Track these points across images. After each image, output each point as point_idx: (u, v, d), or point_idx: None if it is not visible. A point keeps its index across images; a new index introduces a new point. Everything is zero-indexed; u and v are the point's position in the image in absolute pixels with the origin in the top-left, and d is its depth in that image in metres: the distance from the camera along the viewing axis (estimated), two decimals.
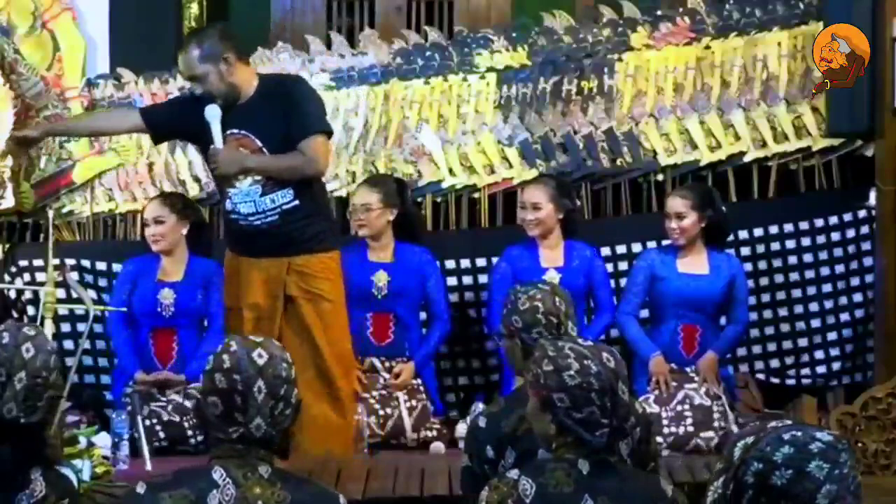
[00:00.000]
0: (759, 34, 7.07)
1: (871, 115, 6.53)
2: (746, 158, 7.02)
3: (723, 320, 6.50)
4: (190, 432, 6.22)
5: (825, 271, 7.00)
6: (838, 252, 6.99)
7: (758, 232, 6.96)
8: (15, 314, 6.78)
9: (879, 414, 5.79)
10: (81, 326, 6.52)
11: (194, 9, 7.59)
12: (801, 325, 7.01)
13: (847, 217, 6.97)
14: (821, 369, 7.00)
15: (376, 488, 5.32)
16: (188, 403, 6.28)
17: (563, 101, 7.12)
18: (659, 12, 7.19)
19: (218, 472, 3.04)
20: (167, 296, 6.44)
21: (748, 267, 6.73)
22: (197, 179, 7.17)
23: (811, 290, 7.00)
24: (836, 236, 6.99)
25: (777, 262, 6.99)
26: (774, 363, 7.02)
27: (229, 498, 3.01)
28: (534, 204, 6.52)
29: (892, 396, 5.81)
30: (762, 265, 6.96)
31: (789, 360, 7.03)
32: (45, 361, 3.37)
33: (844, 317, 6.99)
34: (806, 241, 6.98)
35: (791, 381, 7.01)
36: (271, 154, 5.76)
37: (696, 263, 6.41)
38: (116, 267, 6.85)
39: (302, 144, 5.72)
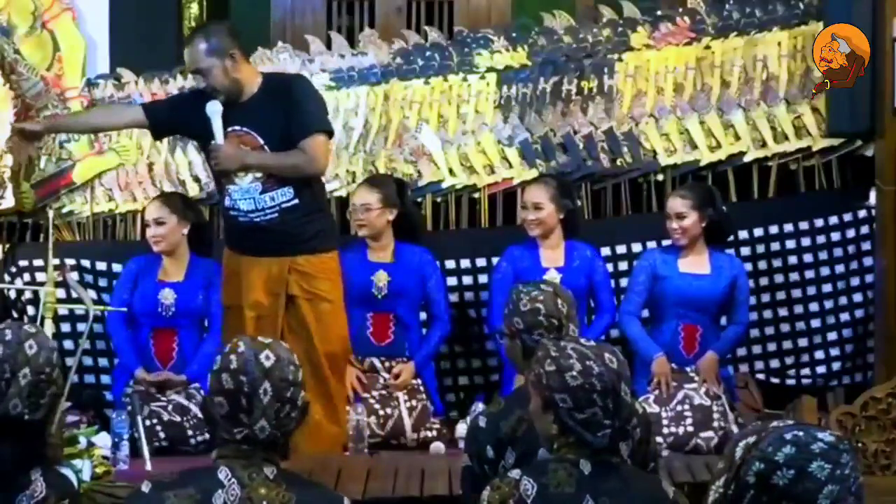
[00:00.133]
0: (759, 34, 7.07)
1: (871, 115, 6.53)
2: (746, 158, 7.02)
3: (723, 320, 6.50)
4: (190, 432, 6.22)
5: (825, 271, 7.00)
6: (838, 252, 6.99)
7: (758, 232, 6.96)
8: (15, 314, 6.79)
9: (879, 414, 5.79)
10: (81, 326, 6.52)
11: (194, 9, 7.60)
12: (801, 325, 7.01)
13: (847, 217, 6.97)
14: (821, 369, 7.00)
15: (376, 488, 5.31)
16: (188, 403, 6.28)
17: (563, 101, 7.12)
18: (659, 12, 7.19)
19: (223, 471, 3.04)
20: (168, 296, 6.45)
21: (748, 267, 6.73)
22: (197, 179, 7.17)
23: (811, 290, 7.00)
24: (836, 236, 6.99)
25: (777, 262, 6.99)
26: (774, 363, 7.03)
27: (234, 498, 3.01)
28: (535, 204, 6.52)
29: (892, 396, 5.81)
30: (762, 265, 6.96)
31: (789, 360, 7.03)
32: (48, 358, 3.37)
33: (844, 317, 6.99)
34: (806, 241, 6.99)
35: (791, 381, 7.01)
36: (272, 152, 5.77)
37: (697, 263, 6.41)
38: (116, 267, 6.85)
39: (302, 143, 5.73)
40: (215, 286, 6.31)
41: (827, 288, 7.00)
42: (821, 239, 6.98)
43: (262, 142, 5.76)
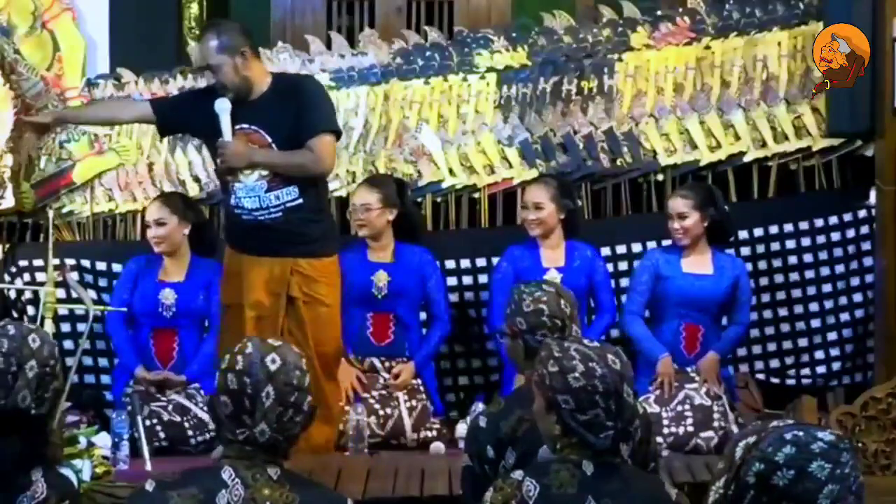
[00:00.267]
0: (759, 34, 7.07)
1: (871, 115, 6.53)
2: (746, 158, 7.02)
3: (724, 321, 6.50)
4: (190, 432, 6.22)
5: (825, 271, 7.00)
6: (838, 252, 6.99)
7: (758, 232, 6.96)
8: (15, 314, 6.78)
9: (879, 414, 5.79)
10: (81, 326, 6.51)
11: (194, 9, 7.60)
12: (801, 325, 7.01)
13: (847, 217, 6.97)
14: (821, 369, 7.00)
15: (376, 488, 5.31)
16: (188, 403, 6.29)
17: (563, 101, 7.12)
18: (659, 12, 7.18)
19: (227, 471, 3.04)
20: (168, 296, 6.45)
21: (748, 267, 6.73)
22: (197, 179, 7.17)
23: (811, 290, 7.00)
24: (836, 236, 6.99)
25: (777, 262, 6.99)
26: (774, 363, 7.03)
27: (238, 498, 3.01)
28: (536, 204, 6.52)
29: (892, 396, 5.80)
30: (762, 265, 6.96)
31: (789, 360, 7.03)
32: (51, 352, 3.38)
33: (844, 317, 6.99)
34: (806, 241, 6.98)
35: (791, 381, 7.01)
36: (279, 151, 5.78)
37: (700, 263, 6.41)
38: (116, 267, 6.85)
39: (310, 142, 5.74)
40: (216, 286, 6.31)
41: (827, 288, 7.00)
42: (821, 239, 6.98)
43: (269, 140, 5.77)
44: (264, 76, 5.87)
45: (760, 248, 6.96)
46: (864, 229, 6.92)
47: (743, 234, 6.86)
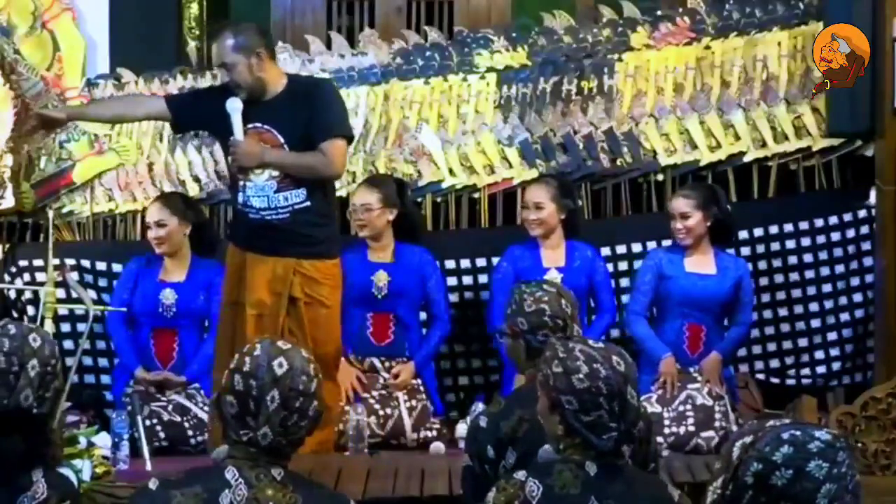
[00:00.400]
0: (759, 34, 7.07)
1: (871, 115, 6.53)
2: (746, 158, 7.02)
3: (725, 321, 6.50)
4: (190, 432, 6.23)
5: (825, 271, 7.00)
6: (838, 252, 6.99)
7: (758, 232, 6.96)
8: (15, 314, 6.78)
9: (879, 414, 5.78)
10: (81, 326, 6.51)
11: (194, 9, 7.60)
12: (801, 325, 7.01)
13: (847, 217, 6.97)
14: (821, 369, 7.00)
15: (376, 488, 5.31)
16: (188, 403, 6.29)
17: (563, 101, 7.12)
18: (659, 12, 7.18)
19: (231, 471, 3.04)
20: (169, 296, 6.45)
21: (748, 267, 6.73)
22: (197, 179, 7.17)
23: (811, 290, 7.00)
24: (836, 236, 6.99)
25: (777, 262, 6.99)
26: (774, 363, 7.03)
27: (241, 498, 3.01)
28: (536, 204, 6.52)
29: (892, 396, 5.80)
30: (762, 265, 6.96)
31: (789, 360, 7.03)
32: (52, 351, 3.38)
33: (844, 317, 6.99)
34: (806, 241, 6.98)
35: (791, 381, 7.01)
36: (290, 151, 5.79)
37: (703, 263, 6.40)
38: (116, 267, 6.85)
39: (322, 146, 5.75)
40: (216, 287, 6.31)
41: (827, 288, 7.00)
42: (821, 239, 6.98)
43: (281, 140, 5.77)
44: (280, 77, 5.88)
45: (760, 248, 6.96)
46: (864, 229, 6.92)
47: (743, 234, 6.86)
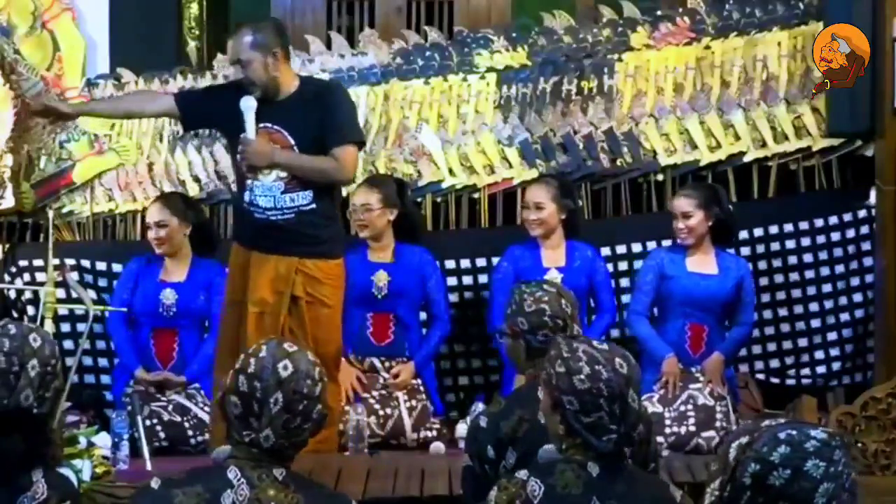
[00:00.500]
0: (759, 34, 7.07)
1: (871, 115, 6.53)
2: (746, 158, 7.02)
3: (727, 321, 6.50)
4: (190, 432, 6.23)
5: (825, 271, 7.00)
6: (838, 252, 6.99)
7: (758, 232, 6.96)
8: (15, 314, 6.78)
9: (879, 414, 5.78)
10: (81, 326, 6.51)
11: (194, 9, 7.60)
12: (801, 325, 7.01)
13: (847, 217, 6.97)
14: (821, 369, 7.00)
15: (376, 488, 5.31)
16: (188, 403, 6.29)
17: (563, 101, 7.12)
18: (659, 12, 7.19)
19: (233, 471, 3.04)
20: (169, 296, 6.45)
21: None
22: (197, 179, 7.17)
23: (811, 290, 7.00)
24: (836, 236, 6.99)
25: (777, 262, 6.99)
26: (774, 363, 7.03)
27: (243, 498, 3.01)
28: (536, 204, 6.52)
29: (892, 396, 5.80)
30: (762, 265, 6.96)
31: (789, 360, 7.03)
32: (52, 351, 3.38)
33: (844, 317, 6.99)
34: (806, 241, 6.98)
35: (791, 381, 7.01)
36: (300, 153, 5.79)
37: (705, 263, 6.40)
38: (116, 267, 6.85)
39: (335, 151, 5.75)
40: (217, 287, 6.31)
41: (827, 288, 7.00)
42: (821, 239, 6.98)
43: (292, 142, 5.77)
44: (292, 79, 5.88)
45: (760, 248, 6.96)
46: (864, 229, 6.92)
47: (743, 234, 6.85)
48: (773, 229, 6.97)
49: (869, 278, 6.88)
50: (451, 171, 7.11)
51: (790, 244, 6.98)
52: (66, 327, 6.78)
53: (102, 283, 6.93)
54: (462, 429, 5.96)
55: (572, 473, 3.25)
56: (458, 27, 7.56)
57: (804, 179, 7.01)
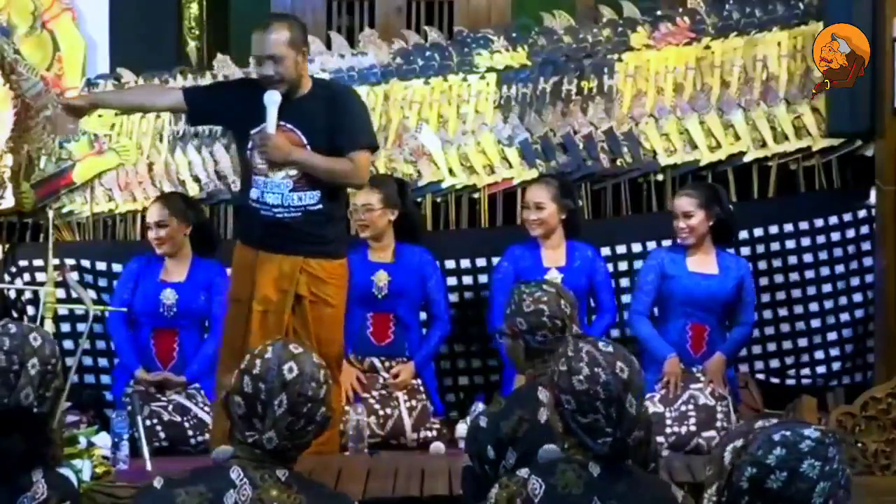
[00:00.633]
0: (759, 34, 7.07)
1: (871, 115, 6.53)
2: (746, 158, 7.02)
3: (727, 321, 6.50)
4: (190, 432, 6.22)
5: (825, 271, 7.00)
6: (838, 252, 6.99)
7: (758, 232, 6.96)
8: (15, 314, 6.78)
9: (879, 414, 5.78)
10: (81, 326, 6.51)
11: (194, 9, 7.60)
12: (801, 325, 7.01)
13: (847, 217, 6.97)
14: (821, 369, 7.00)
15: (376, 488, 5.31)
16: (188, 403, 6.29)
17: (563, 101, 7.12)
18: (659, 12, 7.19)
19: (236, 471, 3.03)
20: (169, 296, 6.45)
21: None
22: (197, 179, 7.17)
23: (811, 290, 7.00)
24: (836, 236, 6.99)
25: (777, 262, 6.99)
26: (774, 363, 7.03)
27: (245, 498, 3.00)
28: (537, 204, 6.52)
29: (892, 396, 5.80)
30: (762, 265, 6.96)
31: (789, 360, 7.03)
32: (52, 350, 3.38)
33: (844, 317, 6.99)
34: (806, 241, 6.99)
35: (791, 381, 7.01)
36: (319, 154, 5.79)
37: (705, 263, 6.40)
38: (116, 267, 6.85)
39: (350, 154, 5.76)
40: (217, 287, 6.31)
41: (827, 288, 7.00)
42: (821, 239, 6.98)
43: (304, 141, 5.77)
44: (307, 79, 5.89)
45: (760, 248, 6.96)
46: (864, 229, 6.92)
47: (743, 234, 6.85)
48: (773, 229, 6.97)
49: (869, 278, 6.88)
50: (451, 171, 7.11)
51: (790, 244, 6.98)
52: (66, 327, 6.79)
53: (102, 283, 6.93)
54: (462, 429, 5.96)
55: (573, 473, 3.25)
56: (458, 27, 7.56)
57: (804, 179, 7.01)
